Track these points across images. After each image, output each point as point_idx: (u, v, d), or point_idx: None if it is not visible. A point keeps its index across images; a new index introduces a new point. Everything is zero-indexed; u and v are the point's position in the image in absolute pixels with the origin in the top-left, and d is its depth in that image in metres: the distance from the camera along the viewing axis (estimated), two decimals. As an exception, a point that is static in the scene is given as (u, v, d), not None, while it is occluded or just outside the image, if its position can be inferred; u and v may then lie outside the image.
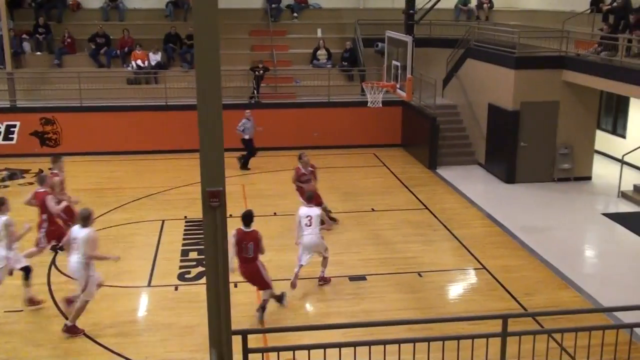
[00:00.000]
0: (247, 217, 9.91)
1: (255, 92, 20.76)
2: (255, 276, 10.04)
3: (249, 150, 18.55)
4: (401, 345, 6.21)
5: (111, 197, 15.93)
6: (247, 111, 18.43)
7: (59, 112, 19.65)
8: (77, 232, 9.47)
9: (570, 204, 15.80)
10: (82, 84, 19.77)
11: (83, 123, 19.63)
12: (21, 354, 9.24)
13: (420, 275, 11.83)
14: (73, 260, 9.55)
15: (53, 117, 19.66)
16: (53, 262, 12.24)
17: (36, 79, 20.90)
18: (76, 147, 19.50)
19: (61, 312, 10.28)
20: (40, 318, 10.23)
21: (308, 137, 20.24)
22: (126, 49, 21.69)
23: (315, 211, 11.16)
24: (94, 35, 21.74)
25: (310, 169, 13.68)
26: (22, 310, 10.33)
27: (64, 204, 12.16)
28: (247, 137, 18.23)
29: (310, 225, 11.00)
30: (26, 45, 21.79)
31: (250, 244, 9.78)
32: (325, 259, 11.32)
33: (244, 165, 18.54)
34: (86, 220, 9.45)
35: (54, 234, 11.66)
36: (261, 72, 20.72)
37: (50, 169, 13.24)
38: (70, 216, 12.07)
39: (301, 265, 11.09)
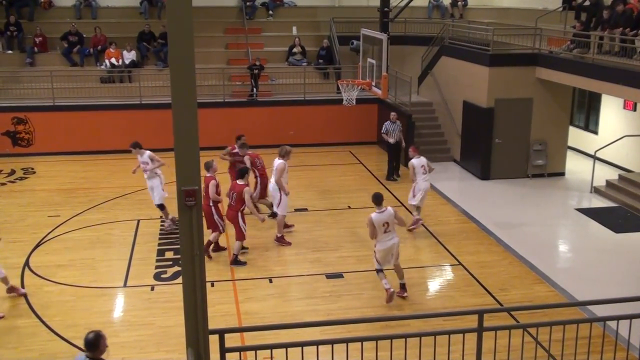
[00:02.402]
0: (241, 172, 12.24)
1: (252, 89, 20.69)
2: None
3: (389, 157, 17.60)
4: (378, 342, 6.23)
5: (85, 197, 15.78)
6: (393, 113, 17.48)
7: (32, 112, 19.39)
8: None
9: (544, 200, 15.98)
10: (54, 83, 19.53)
11: (56, 122, 19.39)
12: (-6, 357, 9.13)
13: (397, 272, 11.88)
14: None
15: (25, 117, 19.40)
16: (27, 264, 12.10)
17: (8, 77, 20.59)
18: (49, 146, 19.29)
19: (35, 313, 10.19)
20: (13, 320, 10.09)
21: (284, 136, 20.20)
22: (99, 48, 21.49)
23: (425, 160, 13.57)
24: (66, 33, 21.48)
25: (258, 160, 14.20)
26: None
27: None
28: (390, 140, 17.23)
29: (425, 173, 13.45)
30: (-3, 44, 21.51)
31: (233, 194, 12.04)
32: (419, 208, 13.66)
33: (389, 174, 17.51)
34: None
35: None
36: (257, 70, 20.65)
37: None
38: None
39: (419, 208, 13.64)
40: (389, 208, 10.41)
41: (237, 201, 11.94)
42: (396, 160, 17.68)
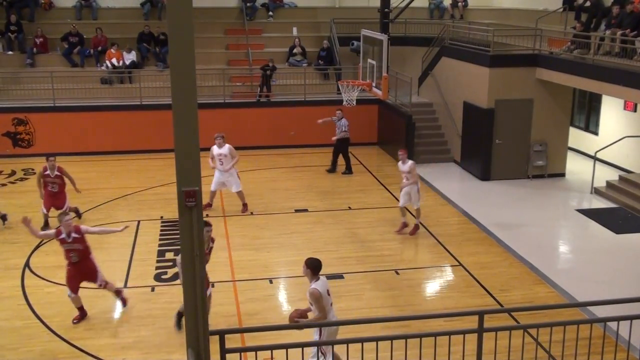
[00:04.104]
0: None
1: (260, 90, 20.67)
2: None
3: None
4: (378, 343, 6.23)
5: (85, 198, 15.72)
6: (337, 110, 17.65)
7: (32, 113, 19.40)
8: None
9: (545, 201, 15.97)
10: (55, 84, 19.53)
11: (56, 123, 19.39)
12: (-5, 357, 9.13)
13: (397, 273, 11.88)
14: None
15: (26, 118, 19.41)
16: (27, 264, 12.09)
17: (8, 78, 20.60)
18: (49, 147, 19.21)
19: (35, 314, 10.19)
20: (13, 321, 10.09)
21: (285, 136, 20.24)
22: (99, 48, 21.49)
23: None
24: (67, 34, 21.48)
25: (57, 172, 13.68)
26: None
27: None
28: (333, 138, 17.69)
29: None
30: (-3, 45, 21.51)
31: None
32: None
33: (347, 170, 17.98)
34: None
35: None
36: (269, 71, 20.64)
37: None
38: None
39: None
40: (323, 276, 8.03)
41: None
42: (345, 157, 17.84)
